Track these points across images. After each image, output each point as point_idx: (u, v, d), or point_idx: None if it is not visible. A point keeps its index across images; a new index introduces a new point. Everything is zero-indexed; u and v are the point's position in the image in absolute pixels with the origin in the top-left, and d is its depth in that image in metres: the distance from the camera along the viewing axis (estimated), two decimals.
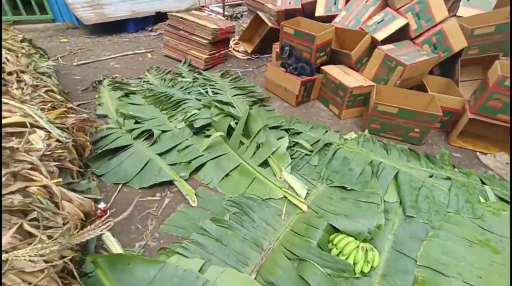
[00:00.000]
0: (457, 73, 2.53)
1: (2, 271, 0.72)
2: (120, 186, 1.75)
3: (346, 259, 1.30)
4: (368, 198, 1.58)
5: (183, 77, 3.24)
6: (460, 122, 2.15)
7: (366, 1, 2.90)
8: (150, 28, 5.01)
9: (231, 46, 4.11)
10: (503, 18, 2.44)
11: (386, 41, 2.51)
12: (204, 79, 3.14)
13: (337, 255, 1.33)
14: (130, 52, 3.85)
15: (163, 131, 2.20)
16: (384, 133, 2.28)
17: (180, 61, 3.66)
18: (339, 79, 2.45)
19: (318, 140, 2.08)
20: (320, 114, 2.64)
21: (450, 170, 1.86)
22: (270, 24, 3.55)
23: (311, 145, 2.04)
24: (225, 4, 5.45)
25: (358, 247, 1.32)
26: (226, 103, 2.55)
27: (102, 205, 1.56)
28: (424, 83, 2.42)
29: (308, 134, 2.18)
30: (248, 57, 3.92)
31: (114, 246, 1.35)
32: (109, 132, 2.15)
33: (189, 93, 2.83)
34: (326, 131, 2.24)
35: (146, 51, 3.97)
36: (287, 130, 2.25)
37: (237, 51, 4.10)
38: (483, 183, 1.74)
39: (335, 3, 3.16)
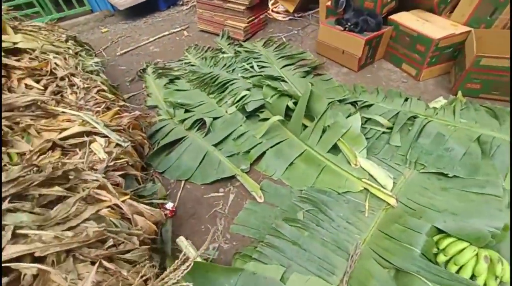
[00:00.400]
0: None
1: None
2: (183, 182, 1.70)
3: (460, 270, 1.04)
4: (482, 188, 1.23)
5: (224, 52, 2.98)
6: None
7: None
8: (181, 2, 4.72)
9: (269, 8, 3.62)
10: None
11: None
12: (246, 51, 2.83)
13: (447, 263, 1.08)
14: (166, 32, 3.68)
15: (215, 119, 2.06)
16: (486, 94, 1.77)
17: (217, 34, 3.37)
18: (418, 29, 1.91)
19: (398, 113, 1.70)
20: (391, 77, 2.17)
21: None
22: None
23: (389, 120, 1.67)
24: None
25: (477, 255, 1.04)
26: (276, 79, 2.25)
27: (170, 205, 1.53)
28: None
29: (382, 107, 1.80)
30: (290, 17, 3.43)
31: (189, 250, 1.31)
32: (162, 125, 2.09)
33: (233, 70, 2.59)
34: (406, 99, 1.82)
35: (182, 29, 3.76)
36: (353, 103, 1.90)
37: (277, 12, 3.61)
38: None
39: None
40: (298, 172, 1.61)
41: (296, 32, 3.12)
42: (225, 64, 2.69)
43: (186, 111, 2.17)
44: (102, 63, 2.65)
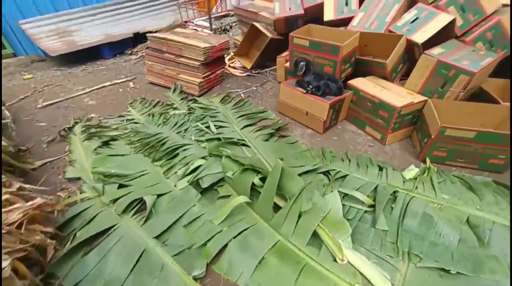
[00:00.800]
0: None
1: None
2: None
3: None
4: None
5: (176, 108, 2.65)
6: None
7: None
8: (130, 51, 4.43)
9: (226, 63, 3.56)
10: None
11: (424, 43, 2.01)
12: (202, 108, 2.55)
13: None
14: (108, 83, 3.24)
15: (159, 196, 1.60)
16: (452, 162, 1.74)
17: (168, 88, 3.07)
18: (379, 96, 1.91)
19: (376, 187, 1.51)
20: (357, 140, 2.08)
21: None
22: (270, 35, 3.02)
23: (368, 196, 1.46)
24: (211, 16, 4.94)
25: None
26: (237, 143, 1.97)
27: None
28: (486, 90, 1.90)
29: (357, 178, 1.61)
30: (248, 73, 3.37)
31: None
32: (84, 207, 1.54)
33: (186, 130, 2.24)
34: (381, 169, 1.67)
35: (127, 80, 3.37)
36: (326, 173, 1.68)
37: (234, 68, 3.55)
38: None
39: (346, 4, 2.67)
40: (271, 273, 1.21)
41: (254, 88, 3.02)
42: (176, 123, 2.33)
43: (121, 186, 1.67)
44: (15, 116, 2.05)
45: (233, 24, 5.01)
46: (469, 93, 1.86)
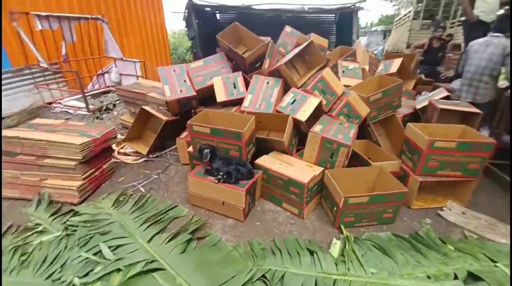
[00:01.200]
0: (372, 135, 2.70)
1: None
2: None
3: None
4: None
5: (43, 232, 1.90)
6: (412, 185, 2.14)
7: (267, 83, 2.82)
8: None
9: (115, 151, 3.04)
10: (377, 85, 2.91)
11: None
12: (86, 222, 1.94)
13: None
14: None
15: None
16: (358, 223, 1.96)
17: (29, 200, 2.23)
18: (286, 174, 2.02)
19: (316, 282, 1.44)
20: (278, 220, 2.06)
21: (460, 256, 1.66)
22: (164, 118, 2.86)
23: None
24: (87, 94, 4.32)
25: None
26: (147, 272, 1.52)
27: None
28: (356, 152, 2.37)
29: (294, 274, 1.50)
30: (145, 159, 2.97)
31: None
32: None
33: (62, 267, 1.57)
34: (311, 253, 1.65)
35: None
36: (262, 278, 1.50)
37: (126, 154, 3.07)
38: (493, 261, 1.61)
39: (234, 87, 2.93)
40: None
41: (156, 177, 2.65)
42: (45, 259, 1.62)
43: None
44: None
45: (117, 102, 4.54)
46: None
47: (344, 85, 2.86)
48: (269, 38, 3.34)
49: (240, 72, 3.00)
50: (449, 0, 7.01)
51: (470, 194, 2.21)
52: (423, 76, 4.11)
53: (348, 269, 1.51)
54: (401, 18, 7.36)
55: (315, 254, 1.62)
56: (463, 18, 3.76)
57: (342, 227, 1.88)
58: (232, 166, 2.06)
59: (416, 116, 3.06)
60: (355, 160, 2.31)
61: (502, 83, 2.74)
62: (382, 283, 1.43)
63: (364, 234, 1.86)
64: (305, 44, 2.89)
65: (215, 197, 2.04)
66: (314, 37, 3.68)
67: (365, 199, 1.83)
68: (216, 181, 2.00)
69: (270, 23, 6.16)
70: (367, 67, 3.60)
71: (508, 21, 2.90)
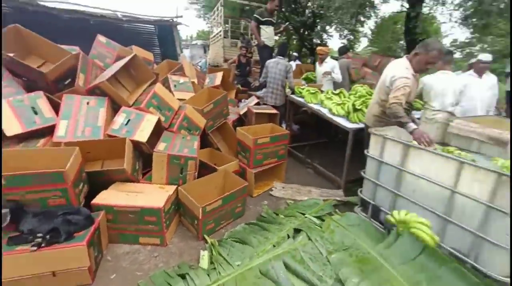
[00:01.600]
0: (213, 142, 3.00)
1: None
2: None
3: None
4: None
5: None
6: (250, 178, 2.61)
7: (87, 103, 2.35)
8: None
9: None
10: (207, 97, 3.26)
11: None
12: None
13: None
14: None
15: None
16: (218, 226, 2.15)
17: None
18: (137, 204, 1.82)
19: None
20: (139, 260, 1.82)
21: (287, 220, 2.22)
22: None
23: None
24: None
25: None
26: None
27: None
28: (203, 161, 2.56)
29: None
30: None
31: None
32: None
33: None
34: (183, 277, 1.60)
35: None
36: None
37: None
38: (303, 214, 2.29)
39: (35, 112, 2.20)
40: None
41: None
42: None
43: None
44: None
45: None
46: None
47: (179, 99, 2.96)
48: (77, 48, 2.77)
49: (41, 92, 2.28)
50: (246, 25, 8.94)
51: (284, 172, 3.05)
52: (240, 86, 5.04)
53: (219, 273, 1.63)
54: (215, 35, 8.51)
55: (187, 276, 1.61)
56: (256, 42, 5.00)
57: (206, 237, 1.99)
58: (58, 219, 1.57)
59: (241, 120, 3.73)
60: (203, 169, 2.47)
61: (288, 91, 3.93)
62: (247, 270, 1.67)
63: (225, 234, 2.07)
64: (129, 57, 2.66)
65: (38, 271, 1.47)
66: (136, 49, 3.46)
67: (219, 202, 2.03)
68: (34, 248, 1.44)
69: (72, 29, 5.08)
70: (196, 81, 3.90)
71: (284, 48, 4.15)
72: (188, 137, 2.49)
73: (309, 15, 8.20)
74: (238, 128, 2.84)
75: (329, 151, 4.05)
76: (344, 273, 1.51)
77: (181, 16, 6.35)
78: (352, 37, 13.95)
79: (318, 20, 10.66)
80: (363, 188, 2.31)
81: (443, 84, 2.79)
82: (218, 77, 3.91)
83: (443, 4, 6.93)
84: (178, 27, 6.67)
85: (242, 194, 2.26)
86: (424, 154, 1.79)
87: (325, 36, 13.16)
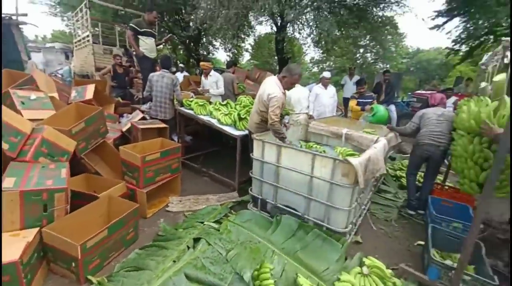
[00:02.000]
0: (89, 166, 2.57)
1: None
2: None
3: None
4: None
5: None
6: (141, 199, 2.42)
7: None
8: None
9: None
10: (75, 114, 2.78)
11: None
12: None
13: None
14: None
15: None
16: (106, 260, 1.88)
17: None
18: None
19: None
20: None
21: (186, 232, 2.19)
22: None
23: None
24: None
25: None
26: None
27: None
28: (80, 191, 2.17)
29: None
30: None
31: None
32: None
33: None
34: None
35: None
36: None
37: None
38: (202, 223, 2.33)
39: None
40: None
41: None
42: None
43: None
44: None
45: None
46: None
47: (31, 120, 2.37)
48: None
49: None
50: (123, 31, 7.89)
51: (179, 185, 3.01)
52: (120, 99, 4.52)
53: None
54: (80, 40, 7.18)
55: None
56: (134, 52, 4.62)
57: (90, 277, 1.70)
58: None
59: (125, 137, 3.38)
60: (78, 200, 2.09)
61: (176, 103, 3.85)
62: None
63: (116, 267, 1.84)
64: None
65: None
66: None
67: (105, 233, 1.79)
68: None
69: None
70: (56, 95, 3.21)
71: (168, 61, 4.03)
72: (51, 166, 2.04)
73: (194, 29, 8.40)
74: (121, 147, 2.57)
75: (222, 157, 4.29)
76: (240, 266, 1.69)
77: (26, 14, 5.04)
78: (235, 51, 15.23)
79: (203, 33, 11.02)
80: (252, 186, 2.62)
81: (297, 94, 3.83)
82: (89, 90, 3.39)
83: (299, 32, 8.90)
84: (22, 26, 5.27)
85: (132, 217, 2.07)
86: (291, 151, 2.25)
87: (211, 48, 13.70)
